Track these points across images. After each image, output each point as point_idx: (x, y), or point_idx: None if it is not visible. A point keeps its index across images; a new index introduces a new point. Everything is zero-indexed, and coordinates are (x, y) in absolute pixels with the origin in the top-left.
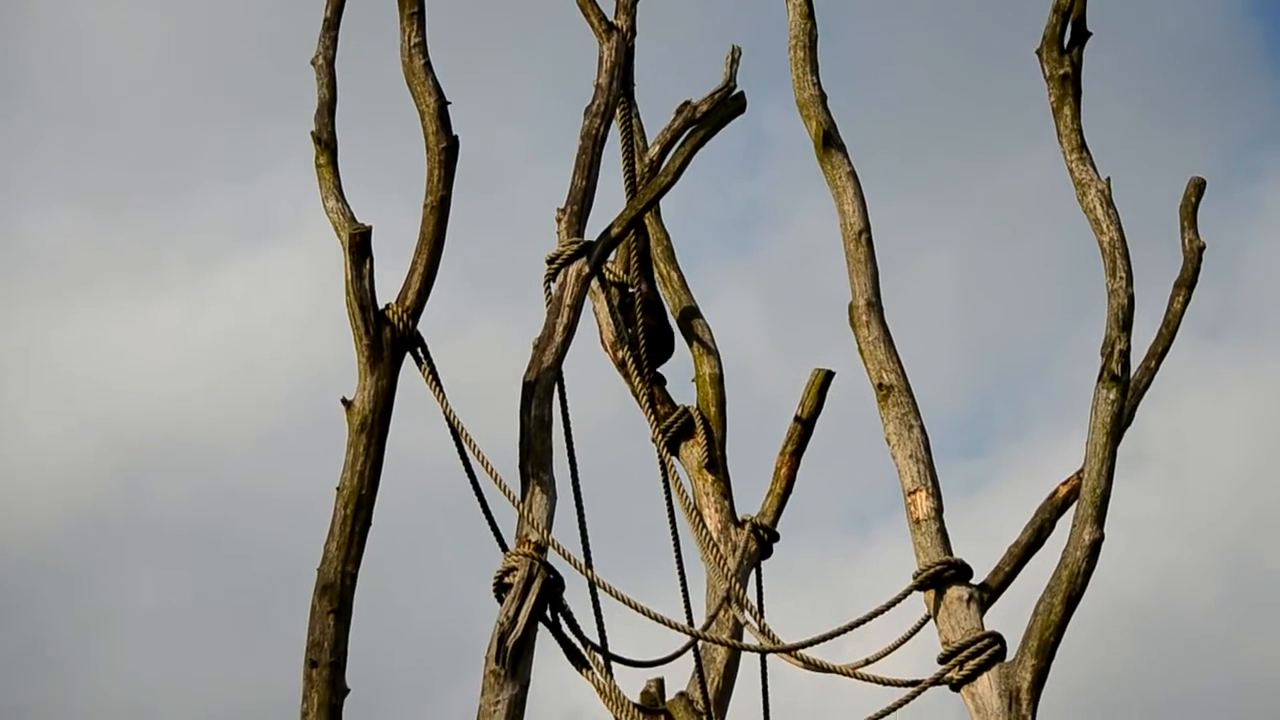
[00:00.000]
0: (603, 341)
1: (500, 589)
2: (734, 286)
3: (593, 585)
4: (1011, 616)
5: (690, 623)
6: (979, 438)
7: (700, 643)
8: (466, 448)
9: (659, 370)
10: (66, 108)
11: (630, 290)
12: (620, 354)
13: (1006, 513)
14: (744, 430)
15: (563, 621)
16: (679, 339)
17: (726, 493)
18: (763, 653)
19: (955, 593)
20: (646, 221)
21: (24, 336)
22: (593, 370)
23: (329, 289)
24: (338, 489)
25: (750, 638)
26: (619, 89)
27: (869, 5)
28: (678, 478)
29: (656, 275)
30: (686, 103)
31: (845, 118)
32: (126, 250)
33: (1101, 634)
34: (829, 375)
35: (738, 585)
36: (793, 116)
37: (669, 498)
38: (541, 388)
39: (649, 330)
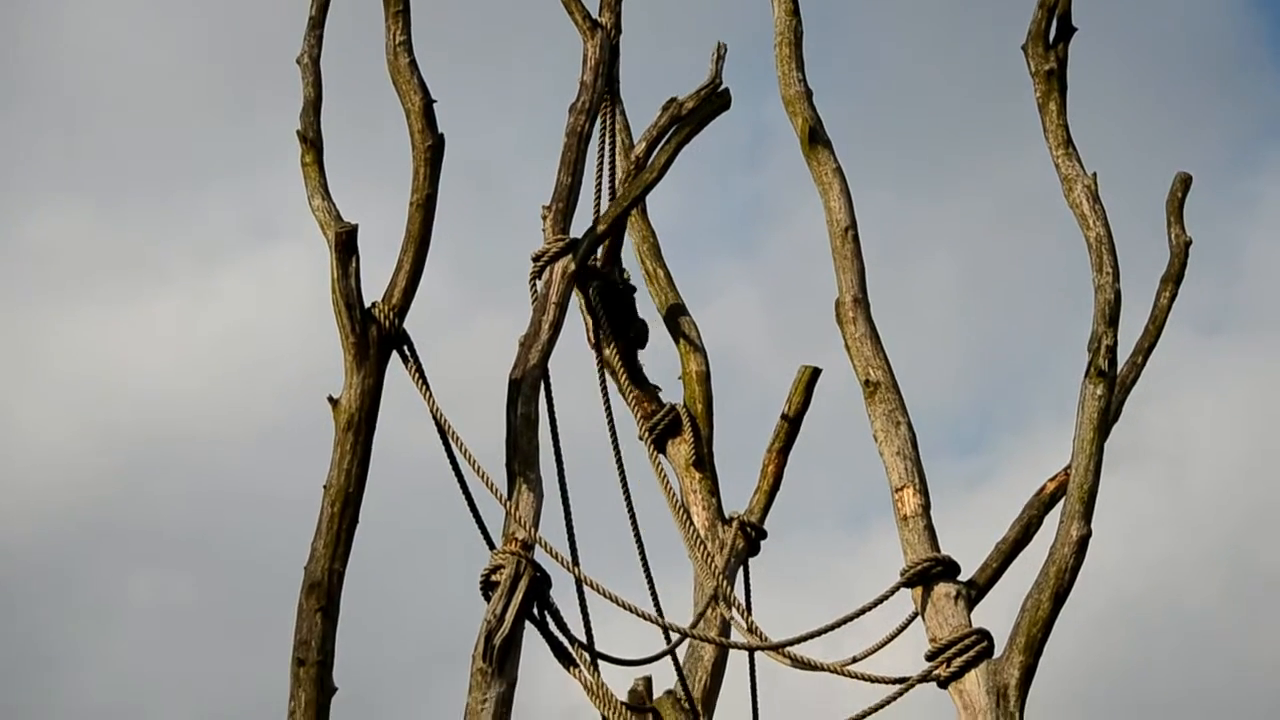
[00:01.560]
0: (589, 339)
1: (487, 587)
2: (736, 282)
3: (579, 583)
4: (1000, 613)
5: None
6: (979, 433)
7: (688, 640)
8: (453, 446)
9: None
10: (65, 103)
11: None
12: (606, 351)
13: (1006, 508)
14: (745, 427)
15: (550, 619)
16: (666, 336)
17: (714, 490)
18: (750, 650)
19: (943, 589)
20: (633, 218)
21: (22, 335)
22: (580, 368)
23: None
24: (325, 487)
25: (738, 635)
26: (604, 86)
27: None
28: (664, 474)
29: (643, 273)
30: (672, 100)
31: (848, 111)
32: (127, 248)
33: (1100, 631)
34: (816, 372)
35: (725, 583)
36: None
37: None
38: (528, 385)
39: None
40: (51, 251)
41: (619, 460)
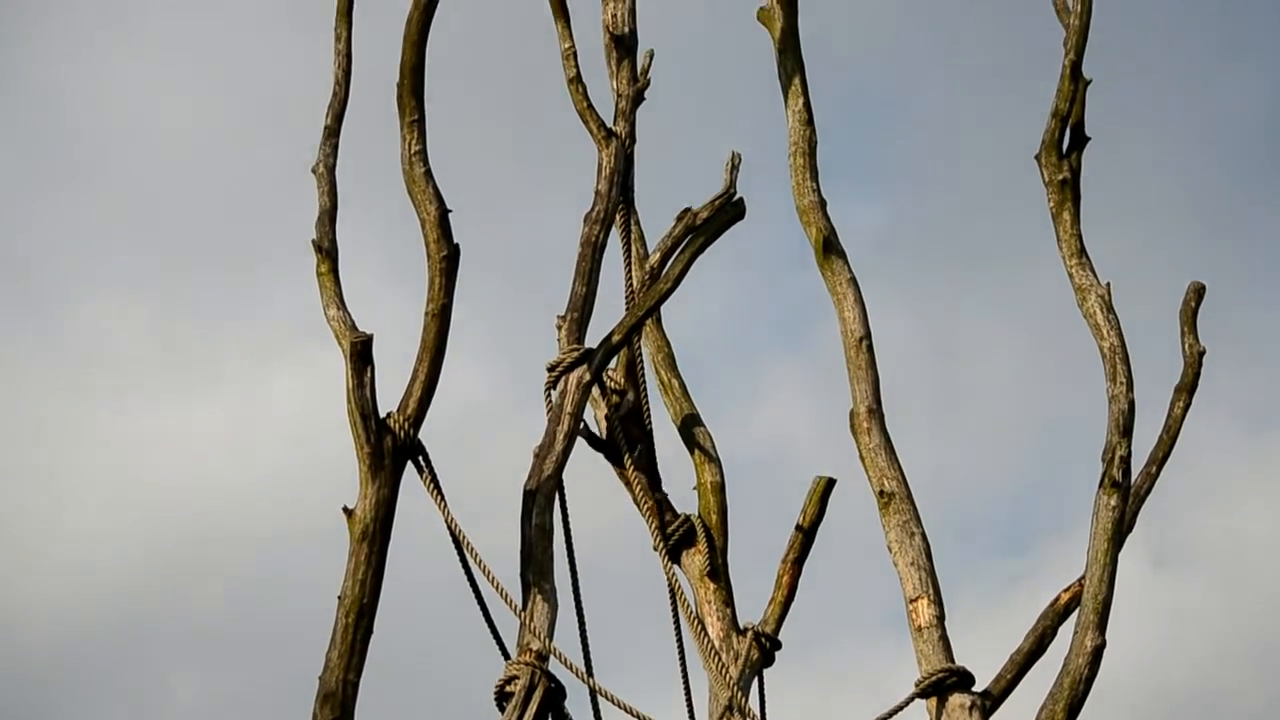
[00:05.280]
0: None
1: (502, 697)
2: (783, 381)
3: (594, 693)
4: None
5: None
6: (1021, 535)
7: None
8: (468, 556)
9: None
10: (119, 195)
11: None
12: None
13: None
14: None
15: None
16: (682, 447)
17: (728, 601)
18: None
19: (957, 700)
20: (647, 329)
21: (68, 431)
22: (594, 478)
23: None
24: (339, 598)
25: None
26: (618, 195)
27: (873, 111)
28: (679, 586)
29: (658, 383)
30: (687, 209)
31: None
32: (176, 345)
33: None
34: (830, 483)
35: (740, 693)
36: (841, 210)
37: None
38: (542, 496)
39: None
40: (100, 346)
41: None
